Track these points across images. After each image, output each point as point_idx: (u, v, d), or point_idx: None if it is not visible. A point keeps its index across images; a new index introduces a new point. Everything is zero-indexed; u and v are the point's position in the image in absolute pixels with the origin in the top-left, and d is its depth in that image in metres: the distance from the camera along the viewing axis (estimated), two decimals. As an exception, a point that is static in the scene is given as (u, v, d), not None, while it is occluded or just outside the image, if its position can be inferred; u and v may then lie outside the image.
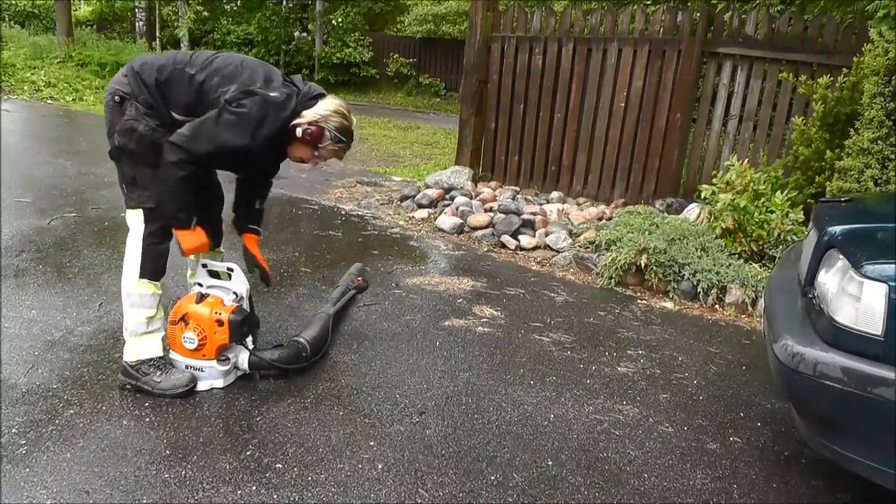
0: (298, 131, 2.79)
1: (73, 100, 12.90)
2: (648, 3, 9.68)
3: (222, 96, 2.73)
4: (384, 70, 19.90)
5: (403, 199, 6.75)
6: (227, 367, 2.95)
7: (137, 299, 2.89)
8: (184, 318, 2.93)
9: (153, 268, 2.88)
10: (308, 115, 2.81)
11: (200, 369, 2.94)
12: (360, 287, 4.05)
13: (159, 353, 2.95)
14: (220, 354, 2.94)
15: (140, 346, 2.91)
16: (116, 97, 2.83)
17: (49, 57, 15.49)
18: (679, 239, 4.82)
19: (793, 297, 2.61)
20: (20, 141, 8.35)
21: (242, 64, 2.87)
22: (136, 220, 2.87)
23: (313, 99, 2.87)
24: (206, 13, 20.03)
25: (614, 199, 6.61)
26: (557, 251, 5.35)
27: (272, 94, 2.76)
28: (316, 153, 2.90)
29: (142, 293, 2.88)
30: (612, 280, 4.75)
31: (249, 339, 3.04)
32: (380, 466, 2.53)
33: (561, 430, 2.88)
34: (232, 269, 3.04)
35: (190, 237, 2.87)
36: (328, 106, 2.86)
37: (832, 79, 4.97)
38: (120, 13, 23.41)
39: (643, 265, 4.66)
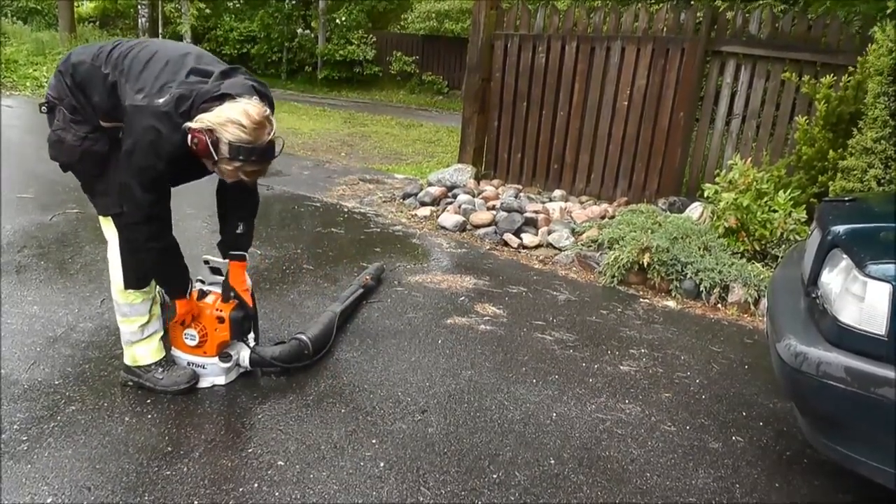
0: (188, 139, 2.35)
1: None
2: (652, 1, 9.65)
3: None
4: (387, 68, 19.91)
5: (406, 196, 6.74)
6: (228, 365, 2.95)
7: (127, 310, 2.82)
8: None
9: (136, 276, 2.76)
10: (201, 120, 2.34)
11: (202, 366, 2.94)
12: (368, 286, 4.05)
13: (158, 357, 2.90)
14: (222, 351, 2.94)
15: (138, 353, 2.87)
16: (44, 107, 2.66)
17: (52, 53, 15.51)
18: (682, 238, 4.82)
19: (796, 297, 2.61)
20: (22, 137, 8.35)
21: (151, 60, 2.52)
22: (109, 230, 2.75)
23: (214, 100, 2.39)
24: (208, 10, 20.04)
25: (617, 197, 6.60)
26: (560, 249, 5.35)
27: (157, 102, 2.40)
28: (216, 168, 2.45)
29: (130, 303, 2.81)
30: (615, 279, 4.75)
31: (251, 336, 3.04)
32: (381, 464, 2.53)
33: (563, 428, 2.88)
34: None
35: (185, 305, 2.81)
36: (227, 112, 2.34)
37: (836, 78, 4.96)
38: (122, 10, 23.43)
39: (646, 264, 4.65)
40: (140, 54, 2.57)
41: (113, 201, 2.66)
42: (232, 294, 2.94)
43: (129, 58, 2.56)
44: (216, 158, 2.38)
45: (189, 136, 2.35)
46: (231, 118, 2.33)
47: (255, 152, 2.39)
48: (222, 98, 2.39)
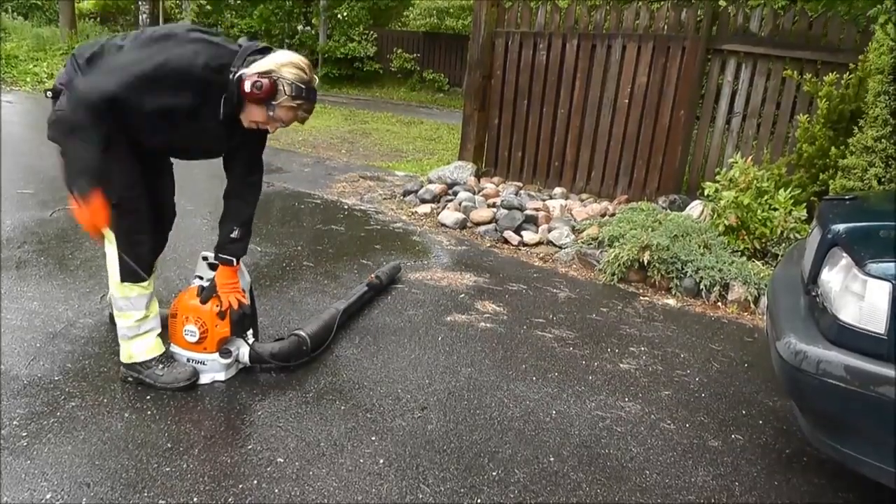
0: (247, 85, 2.47)
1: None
2: (653, -1, 9.65)
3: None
4: (388, 65, 19.86)
5: (406, 193, 6.74)
6: (229, 361, 2.95)
7: (123, 303, 2.80)
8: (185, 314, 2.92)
9: (131, 269, 2.74)
10: (257, 65, 2.50)
11: (202, 363, 2.94)
12: (372, 285, 4.01)
13: (155, 353, 2.88)
14: (223, 347, 2.93)
15: (134, 349, 2.86)
16: (50, 93, 2.67)
17: (52, 49, 15.51)
18: (682, 236, 4.82)
19: (796, 295, 2.61)
20: (22, 132, 8.35)
21: (172, 27, 2.67)
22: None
23: (260, 52, 2.58)
24: (209, 6, 20.02)
25: (617, 195, 6.60)
26: (560, 247, 5.35)
27: (192, 35, 2.52)
28: (271, 113, 2.56)
29: (126, 296, 2.79)
30: (615, 276, 4.75)
31: (250, 333, 3.04)
32: (381, 461, 2.53)
33: (563, 426, 2.88)
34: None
35: (81, 213, 2.56)
36: (282, 56, 2.56)
37: (837, 76, 4.95)
38: (123, 6, 23.40)
39: (646, 262, 4.65)
40: (158, 27, 2.72)
41: (109, 192, 2.61)
42: (208, 295, 2.92)
43: (145, 32, 2.65)
44: (276, 102, 2.52)
45: (249, 83, 2.46)
46: (289, 61, 2.54)
47: (312, 91, 2.60)
48: (264, 51, 2.59)
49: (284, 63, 2.52)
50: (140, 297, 2.82)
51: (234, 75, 2.51)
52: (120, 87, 2.44)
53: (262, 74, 2.47)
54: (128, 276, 2.75)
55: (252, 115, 2.60)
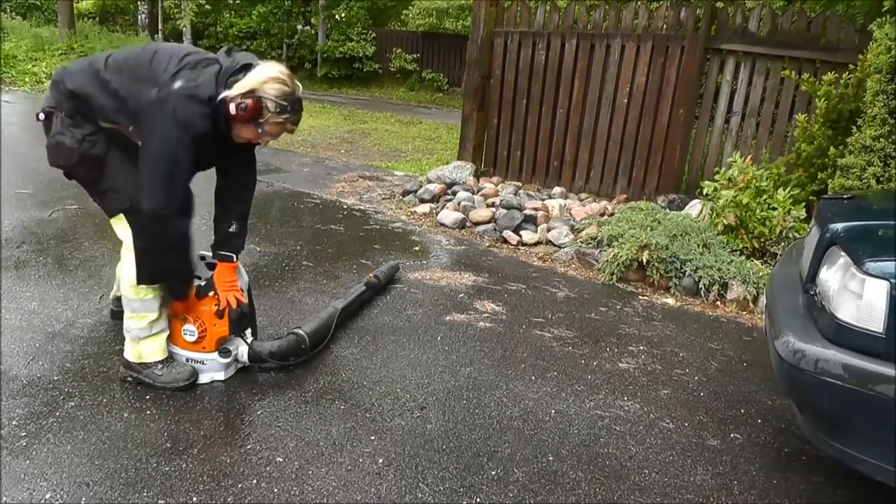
0: (231, 108, 2.49)
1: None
2: (652, -2, 9.65)
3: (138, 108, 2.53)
4: (387, 65, 19.86)
5: (405, 193, 6.74)
6: (228, 360, 2.95)
7: (138, 305, 2.80)
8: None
9: (150, 271, 2.75)
10: (239, 86, 2.50)
11: (202, 362, 2.94)
12: (370, 284, 4.01)
13: (162, 356, 2.88)
14: (222, 347, 2.94)
15: (144, 349, 2.86)
16: (41, 115, 2.69)
17: (51, 49, 15.50)
18: (681, 235, 4.82)
19: (794, 294, 2.61)
20: (21, 133, 8.34)
21: (154, 57, 2.60)
22: (121, 229, 2.76)
23: (240, 70, 2.56)
24: (208, 6, 20.00)
25: (616, 194, 6.60)
26: (559, 247, 5.35)
27: (176, 86, 2.47)
28: (260, 130, 2.57)
29: (141, 298, 2.79)
30: (614, 276, 4.75)
31: (249, 332, 3.04)
32: (380, 461, 2.53)
33: (562, 425, 2.88)
34: None
35: (182, 302, 2.85)
36: (262, 73, 2.54)
37: (836, 75, 4.95)
38: (122, 5, 23.39)
39: (645, 261, 4.66)
40: (139, 56, 2.65)
41: (121, 196, 2.69)
42: (210, 292, 2.92)
43: (128, 62, 2.64)
44: (264, 118, 2.53)
45: (233, 105, 2.48)
46: (270, 76, 2.53)
47: (297, 103, 2.59)
48: (245, 68, 2.56)
49: (265, 80, 2.52)
50: (154, 299, 2.82)
51: (218, 99, 2.52)
52: (179, 188, 2.57)
53: (244, 95, 2.48)
54: (145, 278, 2.75)
55: (242, 133, 2.63)
